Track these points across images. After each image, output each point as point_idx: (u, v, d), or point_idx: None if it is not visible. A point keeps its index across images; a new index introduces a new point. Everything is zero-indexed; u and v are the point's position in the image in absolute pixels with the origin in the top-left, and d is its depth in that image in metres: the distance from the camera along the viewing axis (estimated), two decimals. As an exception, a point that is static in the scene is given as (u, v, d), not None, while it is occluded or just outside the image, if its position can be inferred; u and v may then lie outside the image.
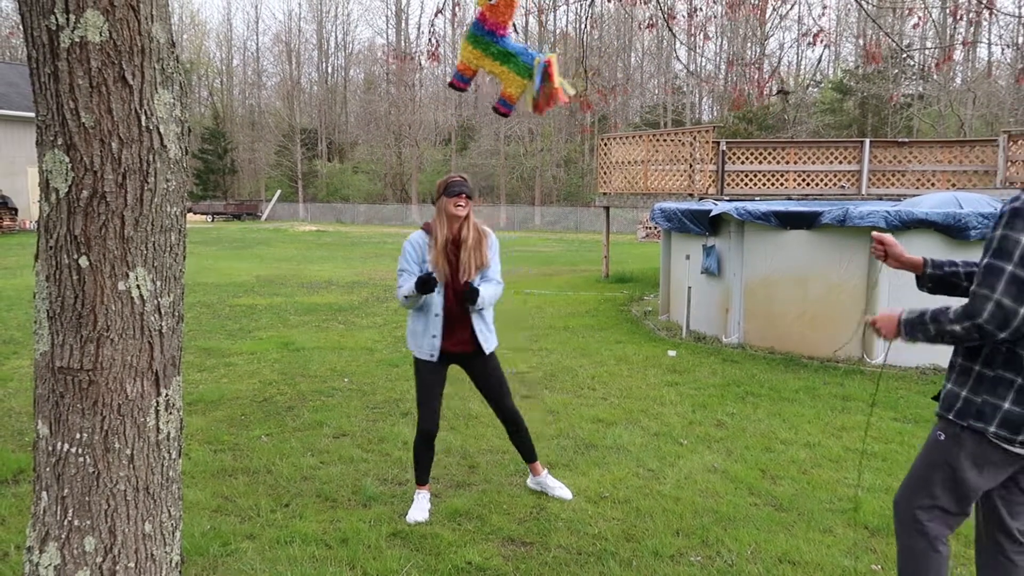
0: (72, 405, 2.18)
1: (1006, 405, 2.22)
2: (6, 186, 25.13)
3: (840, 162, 12.63)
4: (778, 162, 12.68)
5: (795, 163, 12.67)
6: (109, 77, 2.07)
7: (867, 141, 12.67)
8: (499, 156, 45.86)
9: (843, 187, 12.58)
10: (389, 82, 51.18)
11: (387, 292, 12.28)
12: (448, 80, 3.63)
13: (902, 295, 7.07)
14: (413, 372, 3.92)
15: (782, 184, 12.68)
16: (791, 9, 38.54)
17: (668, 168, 12.85)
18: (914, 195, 10.76)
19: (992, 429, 2.23)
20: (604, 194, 14.18)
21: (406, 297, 3.67)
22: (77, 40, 2.03)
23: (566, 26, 43.78)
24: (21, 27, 2.11)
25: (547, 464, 4.49)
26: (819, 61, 46.32)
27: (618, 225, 30.92)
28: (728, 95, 38.54)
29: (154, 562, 2.32)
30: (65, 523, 2.20)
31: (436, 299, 3.72)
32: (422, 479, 3.91)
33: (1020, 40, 33.54)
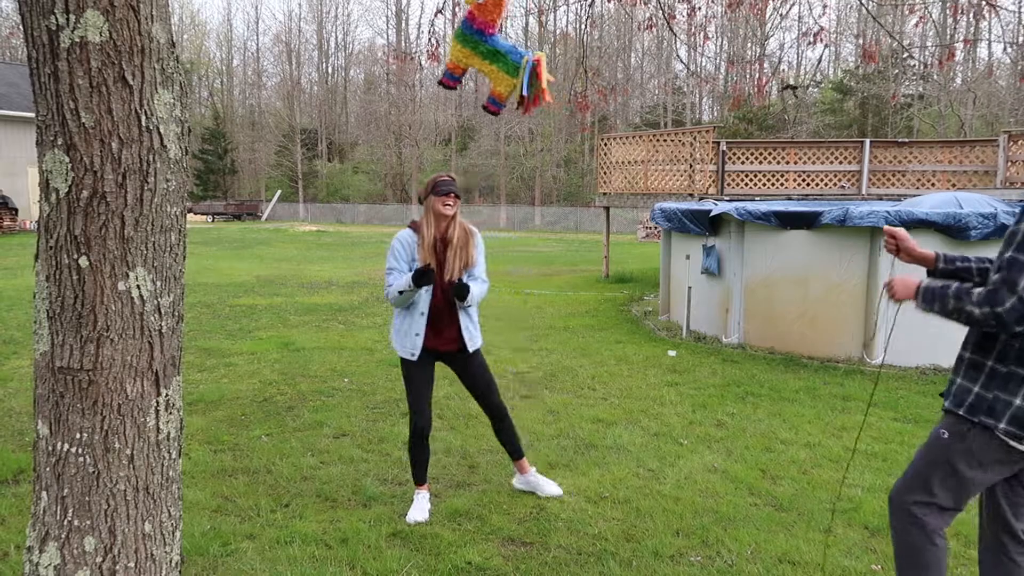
0: (72, 405, 2.18)
1: (1017, 401, 2.21)
2: (6, 186, 25.14)
3: (840, 162, 12.63)
4: (778, 162, 12.67)
5: (795, 163, 12.67)
6: (109, 77, 2.07)
7: (867, 141, 12.67)
8: (499, 156, 45.87)
9: (843, 187, 12.58)
10: (389, 82, 51.18)
11: (387, 292, 12.28)
12: (438, 79, 3.61)
13: (902, 295, 7.07)
14: (401, 373, 3.91)
15: (782, 184, 12.68)
16: (791, 8, 38.57)
17: (668, 168, 12.85)
18: (914, 195, 10.76)
19: (1002, 425, 2.23)
20: (604, 194, 14.18)
21: (400, 293, 3.65)
22: (77, 40, 2.03)
23: (566, 26, 43.83)
24: (21, 27, 2.11)
25: (547, 464, 4.49)
26: (819, 61, 46.35)
27: (618, 225, 30.92)
28: (728, 95, 38.57)
29: (154, 562, 2.32)
30: (65, 523, 2.20)
31: (423, 297, 3.73)
32: (420, 478, 3.91)
33: (1021, 39, 33.53)
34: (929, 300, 2.33)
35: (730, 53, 43.74)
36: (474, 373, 3.90)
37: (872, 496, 4.07)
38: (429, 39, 8.30)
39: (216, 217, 42.36)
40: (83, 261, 2.12)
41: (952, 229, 6.84)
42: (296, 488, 4.11)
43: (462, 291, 3.63)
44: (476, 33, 3.48)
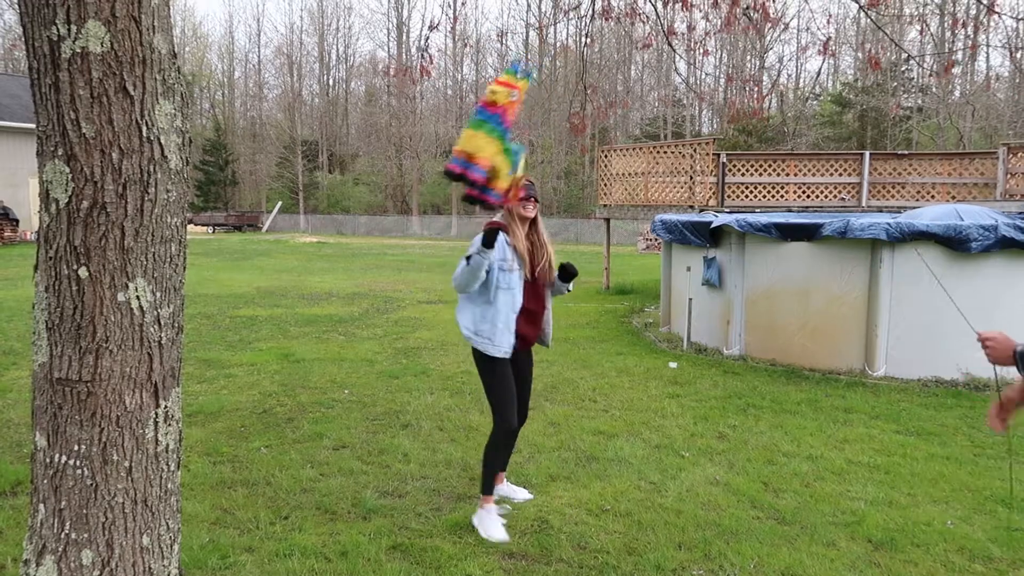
0: (70, 416, 2.16)
1: None
2: (7, 197, 25.17)
3: (840, 174, 12.65)
4: (778, 174, 12.69)
5: (795, 175, 12.69)
6: (110, 88, 2.07)
7: (867, 153, 12.70)
8: (499, 168, 45.87)
9: (843, 199, 12.60)
10: (390, 94, 51.37)
11: (387, 304, 12.27)
12: (446, 164, 3.60)
13: (903, 308, 7.06)
14: (482, 372, 3.82)
15: (782, 196, 12.70)
16: (791, 21, 38.76)
17: (668, 180, 12.87)
18: (914, 207, 10.77)
19: None
20: (604, 206, 14.20)
21: (468, 258, 3.56)
22: (78, 51, 2.03)
23: (566, 39, 44.03)
24: (23, 38, 2.11)
25: (548, 476, 4.47)
26: (818, 74, 46.53)
27: (619, 237, 30.94)
28: (728, 108, 38.68)
29: (152, 575, 2.29)
30: (62, 536, 2.18)
31: (517, 298, 3.76)
32: (491, 487, 3.83)
33: (1019, 54, 33.67)
34: None
35: (729, 66, 43.92)
36: (524, 372, 4.01)
37: (875, 509, 4.05)
38: (423, 54, 8.34)
39: (217, 228, 42.41)
40: (83, 272, 2.12)
41: (953, 241, 6.84)
42: (295, 500, 4.08)
43: (573, 272, 3.88)
44: (503, 128, 3.55)
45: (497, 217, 3.81)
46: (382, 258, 23.25)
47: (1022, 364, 2.28)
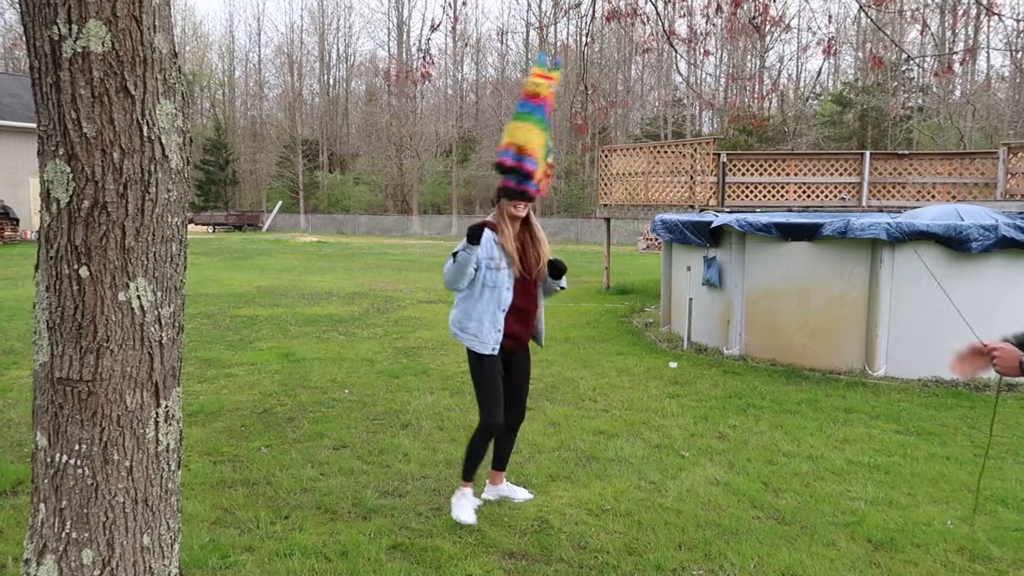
0: (71, 416, 2.17)
1: None
2: (8, 196, 25.18)
3: (840, 174, 12.65)
4: (779, 174, 12.69)
5: (795, 175, 12.69)
6: (111, 87, 2.07)
7: (867, 153, 12.70)
8: (500, 167, 45.89)
9: (844, 199, 12.60)
10: (390, 94, 51.36)
11: (388, 303, 12.27)
12: (498, 157, 3.63)
13: (903, 308, 7.06)
14: (471, 369, 3.88)
15: (783, 196, 12.70)
16: (792, 20, 38.74)
17: (669, 180, 12.87)
18: (914, 207, 10.77)
19: None
20: (605, 205, 14.20)
21: (454, 257, 3.63)
22: (79, 50, 2.03)
23: (567, 38, 43.99)
24: (24, 38, 2.11)
25: (548, 476, 4.47)
26: (819, 73, 46.53)
27: (619, 236, 30.94)
28: (728, 108, 38.68)
29: (152, 575, 2.30)
30: (63, 535, 2.18)
31: (505, 295, 3.77)
32: (470, 476, 3.94)
33: (1019, 55, 33.65)
34: None
35: (730, 66, 43.90)
36: (521, 371, 4.00)
37: (875, 509, 4.05)
38: (424, 57, 8.35)
39: (217, 227, 42.42)
40: (83, 271, 2.12)
41: (953, 241, 6.84)
42: (296, 500, 4.08)
43: (562, 268, 3.83)
44: (547, 120, 3.63)
45: (490, 216, 3.86)
46: (382, 258, 23.25)
47: None
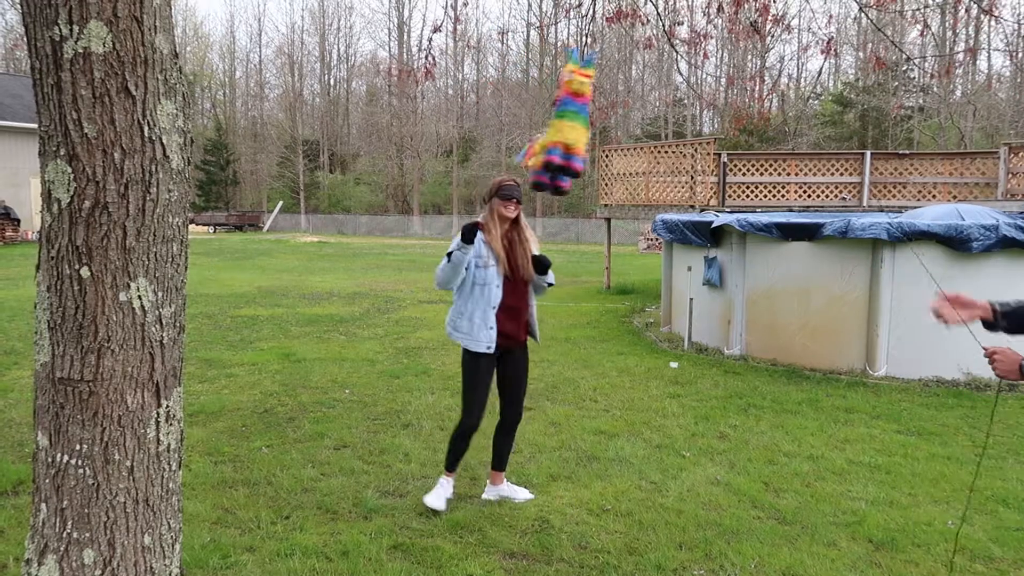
0: (72, 416, 2.17)
1: None
2: (9, 197, 25.19)
3: (841, 174, 12.64)
4: (779, 174, 12.69)
5: (796, 175, 12.68)
6: (112, 88, 2.08)
7: (868, 153, 12.69)
8: (500, 167, 45.96)
9: (844, 199, 12.59)
10: (391, 94, 51.36)
11: (388, 304, 12.28)
12: (547, 156, 3.63)
13: (904, 307, 7.06)
14: (462, 367, 3.98)
15: (783, 196, 12.69)
16: (792, 20, 38.72)
17: (669, 180, 12.87)
18: (915, 207, 10.77)
19: None
20: (605, 205, 14.20)
21: (449, 255, 3.70)
22: (80, 51, 2.04)
23: (567, 39, 43.98)
24: (25, 39, 2.12)
25: (549, 476, 4.47)
26: (819, 73, 46.51)
27: (619, 236, 30.94)
28: (729, 108, 38.66)
29: (153, 575, 2.30)
30: (64, 535, 2.18)
31: (494, 292, 3.82)
32: (452, 467, 4.03)
33: (1020, 54, 33.64)
34: None
35: (730, 66, 43.89)
36: (518, 370, 4.02)
37: (876, 509, 4.05)
38: (426, 57, 8.35)
39: (218, 228, 42.43)
40: (84, 271, 2.12)
41: (954, 241, 6.84)
42: (296, 500, 4.09)
43: (545, 261, 3.83)
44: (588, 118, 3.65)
45: (480, 217, 3.92)
46: (383, 258, 23.25)
47: None
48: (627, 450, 4.94)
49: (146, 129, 2.14)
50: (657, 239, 23.45)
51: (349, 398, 6.24)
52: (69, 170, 2.09)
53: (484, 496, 4.14)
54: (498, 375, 4.05)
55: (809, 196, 12.65)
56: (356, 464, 4.64)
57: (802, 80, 47.63)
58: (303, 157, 50.93)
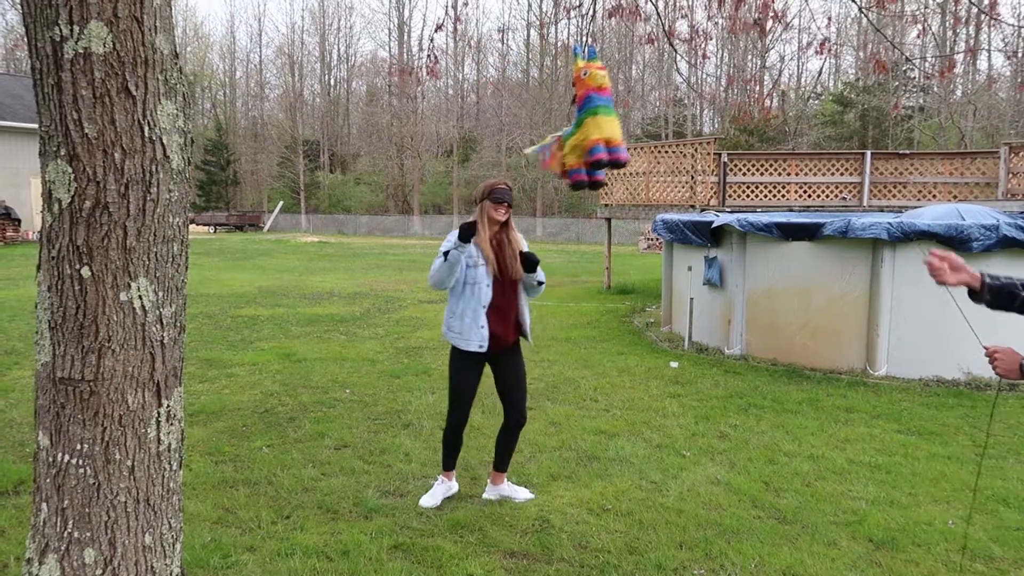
0: (73, 416, 2.17)
1: None
2: (9, 197, 25.20)
3: (841, 174, 12.64)
4: (779, 174, 12.69)
5: (796, 175, 12.68)
6: (112, 88, 2.08)
7: (868, 153, 12.69)
8: (500, 167, 45.98)
9: (845, 199, 12.59)
10: (391, 94, 51.37)
11: (389, 303, 12.28)
12: (592, 155, 3.62)
13: (904, 307, 7.06)
14: (449, 365, 4.04)
15: (783, 196, 12.69)
16: (791, 22, 38.72)
17: (670, 180, 12.87)
18: (915, 207, 10.77)
19: None
20: (606, 205, 14.20)
21: (446, 254, 3.74)
22: (81, 51, 2.04)
23: (567, 38, 43.98)
24: (26, 39, 2.12)
25: (549, 476, 4.47)
26: (820, 73, 46.50)
27: (620, 236, 30.94)
28: (729, 108, 38.66)
29: (154, 574, 2.30)
30: (65, 535, 2.19)
31: (484, 292, 3.86)
32: (449, 465, 4.13)
33: (1021, 52, 33.63)
34: None
35: (731, 66, 43.89)
36: (514, 370, 4.03)
37: (876, 509, 4.05)
38: (429, 55, 8.36)
39: (218, 228, 42.45)
40: (85, 271, 2.12)
41: (954, 241, 6.84)
42: (297, 500, 4.09)
43: (533, 259, 3.83)
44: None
45: (471, 218, 3.96)
46: (383, 258, 23.26)
47: None
48: (627, 450, 4.94)
49: (146, 129, 2.14)
50: (657, 239, 23.45)
51: (350, 398, 6.25)
52: (70, 170, 2.09)
53: (485, 496, 4.15)
54: (495, 379, 4.07)
55: (809, 196, 12.65)
56: (357, 464, 4.65)
57: (802, 80, 47.64)
58: (303, 157, 50.95)
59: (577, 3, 8.97)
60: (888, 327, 7.14)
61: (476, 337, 3.88)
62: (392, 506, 4.02)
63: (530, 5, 47.95)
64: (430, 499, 4.03)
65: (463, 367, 3.97)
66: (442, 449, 4.16)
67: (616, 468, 4.62)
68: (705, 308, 8.66)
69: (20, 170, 25.54)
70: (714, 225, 8.27)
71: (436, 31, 8.30)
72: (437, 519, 3.87)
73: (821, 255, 7.52)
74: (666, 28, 7.26)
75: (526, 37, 48.53)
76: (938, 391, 6.66)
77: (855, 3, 5.98)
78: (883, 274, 7.08)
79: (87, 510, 2.18)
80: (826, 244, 7.45)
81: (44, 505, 2.21)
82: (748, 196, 12.69)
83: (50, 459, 2.20)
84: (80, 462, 2.17)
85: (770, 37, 40.04)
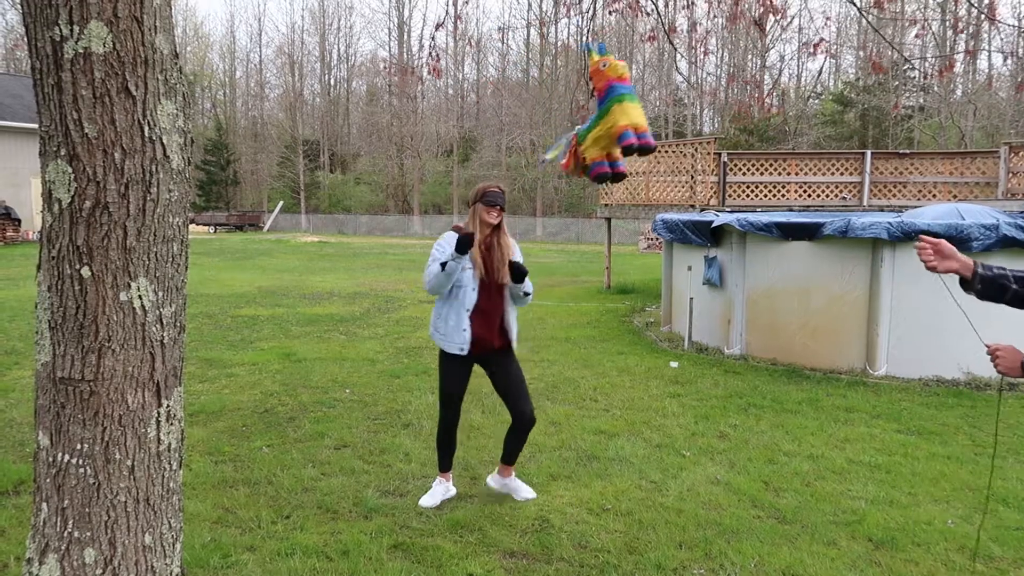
0: (73, 416, 2.17)
1: None
2: (10, 197, 25.20)
3: (841, 173, 12.64)
4: (779, 173, 12.69)
5: (796, 175, 12.68)
6: (112, 88, 2.08)
7: (868, 153, 12.69)
8: (501, 167, 45.99)
9: (845, 198, 12.59)
10: (391, 94, 51.37)
11: (389, 303, 12.28)
12: (623, 142, 3.61)
13: (904, 307, 7.06)
14: (438, 365, 4.08)
15: (783, 196, 12.69)
16: (791, 22, 38.71)
17: (670, 179, 12.87)
18: (915, 206, 10.77)
19: None
20: (606, 205, 14.20)
21: (442, 267, 3.75)
22: (81, 51, 2.04)
23: (567, 38, 43.99)
24: (26, 39, 2.12)
25: (549, 476, 4.47)
26: (820, 73, 46.50)
27: (620, 236, 30.94)
28: (729, 107, 38.65)
29: (154, 574, 2.30)
30: (65, 535, 2.19)
31: (469, 295, 3.86)
32: (445, 466, 4.14)
33: (1020, 51, 33.64)
34: None
35: (731, 65, 43.88)
36: (509, 373, 4.02)
37: (876, 508, 4.05)
38: (430, 53, 8.35)
39: (218, 228, 42.45)
40: (85, 271, 2.12)
41: (954, 240, 6.83)
42: (297, 500, 4.09)
43: (521, 269, 3.80)
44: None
45: (464, 221, 3.99)
46: (383, 257, 23.26)
47: None
48: (627, 449, 4.94)
49: (146, 129, 2.14)
50: (657, 239, 23.45)
51: (349, 398, 6.25)
52: (70, 170, 2.09)
53: (488, 482, 4.19)
54: (491, 382, 4.08)
55: (809, 195, 12.65)
56: (356, 464, 4.65)
57: (802, 79, 47.64)
58: (303, 157, 50.95)
59: (577, 0, 8.96)
60: (888, 327, 7.14)
61: (458, 339, 3.89)
62: (392, 506, 4.03)
63: (530, 4, 47.94)
64: (430, 499, 4.04)
65: (450, 368, 3.99)
66: (437, 450, 4.17)
67: (616, 468, 4.62)
68: (705, 308, 8.66)
69: (20, 170, 25.55)
70: (714, 225, 8.27)
71: (437, 29, 8.30)
72: (437, 519, 3.87)
73: (821, 255, 7.52)
74: (666, 28, 7.26)
75: (526, 36, 48.55)
76: (938, 391, 6.66)
77: (854, 4, 5.98)
78: (883, 274, 7.08)
79: (87, 510, 2.19)
80: (826, 244, 7.45)
81: (44, 505, 2.21)
82: (748, 196, 12.69)
83: (50, 459, 2.20)
84: (80, 462, 2.18)
85: (769, 37, 40.04)
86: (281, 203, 48.47)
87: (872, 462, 4.79)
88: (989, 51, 36.38)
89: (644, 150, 3.64)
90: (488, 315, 3.92)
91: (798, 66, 48.70)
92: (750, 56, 43.93)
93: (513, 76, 50.57)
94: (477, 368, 4.09)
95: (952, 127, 34.04)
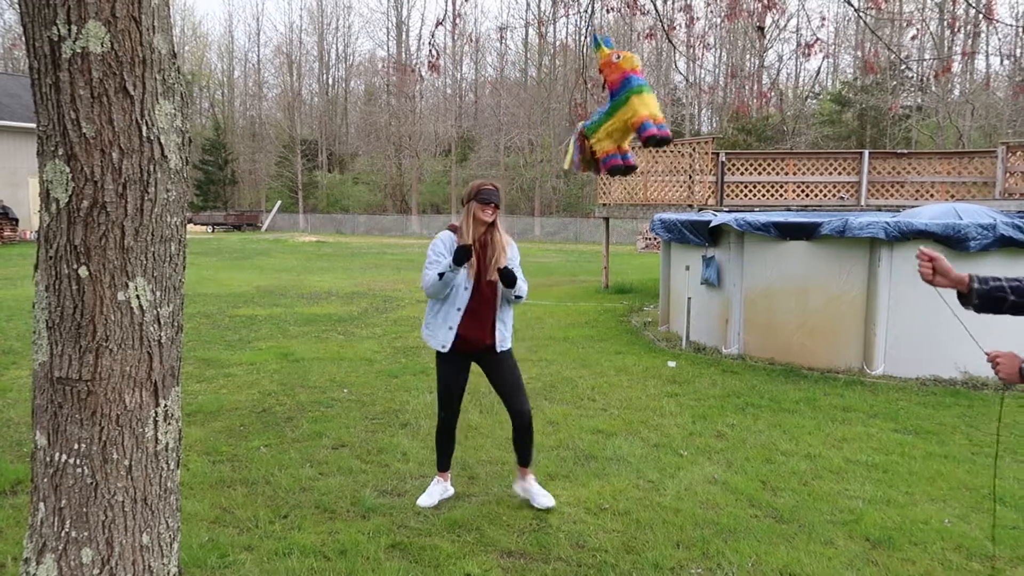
0: (70, 415, 2.17)
1: None
2: (7, 196, 25.16)
3: (839, 173, 12.66)
4: (777, 173, 12.70)
5: (794, 174, 12.70)
6: (110, 88, 2.08)
7: (866, 152, 12.71)
8: (499, 167, 45.97)
9: (842, 198, 12.61)
10: (389, 93, 51.35)
11: (387, 303, 12.28)
12: (646, 132, 3.60)
13: (901, 307, 7.07)
14: (436, 365, 4.09)
15: (781, 195, 12.70)
16: (789, 21, 38.75)
17: (667, 179, 12.88)
18: (913, 206, 10.78)
19: None
20: (604, 205, 14.20)
21: (440, 276, 3.77)
22: (79, 51, 2.04)
23: (566, 37, 43.99)
24: (23, 38, 2.12)
25: (547, 475, 4.47)
26: (817, 73, 46.52)
27: (618, 236, 30.94)
28: (727, 107, 38.67)
29: (151, 574, 2.30)
30: (62, 534, 2.19)
31: (461, 294, 3.87)
32: (443, 465, 4.15)
33: (1018, 51, 33.69)
34: None
35: (729, 65, 43.89)
36: (503, 373, 4.01)
37: (873, 508, 4.06)
38: (430, 51, 8.35)
39: (216, 227, 42.40)
40: (83, 271, 2.12)
41: (951, 240, 6.85)
42: (295, 499, 4.09)
43: (510, 275, 3.79)
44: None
45: (457, 221, 3.98)
46: (381, 257, 23.25)
47: None
48: (625, 449, 4.95)
49: (144, 129, 2.14)
50: (655, 238, 23.46)
51: (347, 397, 6.25)
52: (67, 170, 2.09)
53: (514, 487, 4.18)
54: (489, 381, 4.08)
55: (807, 195, 12.66)
56: (354, 463, 4.65)
57: (800, 79, 47.66)
58: (301, 157, 50.91)
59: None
60: (885, 326, 7.15)
61: (441, 337, 3.91)
62: (390, 505, 4.03)
63: (528, 4, 47.95)
64: (427, 499, 4.04)
65: (445, 367, 4.01)
66: (435, 450, 4.18)
67: (613, 467, 4.63)
68: (703, 307, 8.67)
69: (18, 169, 25.51)
70: (712, 224, 8.28)
71: (436, 27, 8.30)
72: (435, 518, 3.87)
73: (819, 254, 7.53)
74: (665, 26, 7.27)
75: (524, 36, 48.52)
76: (935, 390, 6.67)
77: (851, 5, 5.99)
78: (880, 273, 7.09)
79: (84, 510, 2.19)
80: (824, 243, 7.46)
81: (41, 504, 2.21)
82: (746, 195, 12.70)
83: (47, 459, 2.20)
84: (77, 462, 2.18)
85: (768, 37, 40.05)
86: (279, 203, 48.42)
87: (869, 461, 4.80)
88: (987, 52, 36.46)
89: (664, 140, 3.64)
90: (480, 314, 3.92)
91: (796, 66, 48.75)
92: (748, 56, 43.95)
93: (511, 76, 50.57)
94: (476, 367, 4.09)
95: (950, 127, 34.08)
